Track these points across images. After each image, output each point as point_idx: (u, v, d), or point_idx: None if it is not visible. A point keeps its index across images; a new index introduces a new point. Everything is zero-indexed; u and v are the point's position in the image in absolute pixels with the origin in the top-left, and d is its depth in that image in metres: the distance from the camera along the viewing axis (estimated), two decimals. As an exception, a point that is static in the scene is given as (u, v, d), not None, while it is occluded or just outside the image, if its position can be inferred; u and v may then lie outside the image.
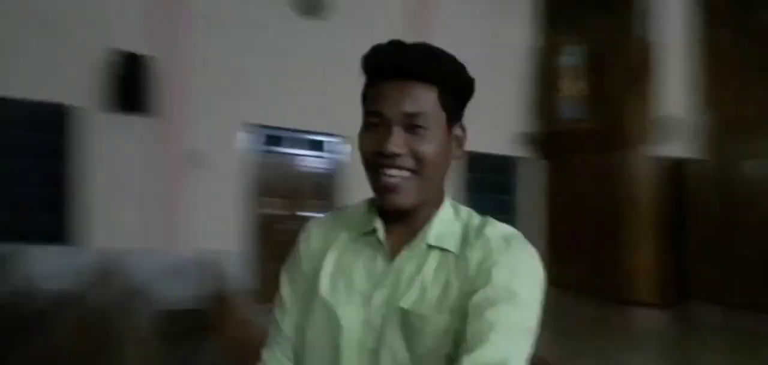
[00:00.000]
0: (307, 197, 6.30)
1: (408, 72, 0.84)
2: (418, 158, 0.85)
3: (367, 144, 0.87)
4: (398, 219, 0.90)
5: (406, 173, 0.85)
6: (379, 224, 0.91)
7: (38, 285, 4.20)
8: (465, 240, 0.88)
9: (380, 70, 0.86)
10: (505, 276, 0.82)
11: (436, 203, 0.92)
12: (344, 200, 6.13)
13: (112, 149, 5.30)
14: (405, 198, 0.86)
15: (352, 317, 0.89)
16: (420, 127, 0.84)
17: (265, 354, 0.99)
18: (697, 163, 6.99)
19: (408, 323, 0.85)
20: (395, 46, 0.86)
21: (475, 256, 0.86)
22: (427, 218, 0.90)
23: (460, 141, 0.91)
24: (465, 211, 0.93)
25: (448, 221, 0.91)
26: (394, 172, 0.85)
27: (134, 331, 3.24)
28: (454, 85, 0.88)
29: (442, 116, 0.86)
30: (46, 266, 4.55)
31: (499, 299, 0.80)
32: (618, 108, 6.91)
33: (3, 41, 4.89)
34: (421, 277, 0.87)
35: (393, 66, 0.85)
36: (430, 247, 0.88)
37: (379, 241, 0.91)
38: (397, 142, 0.84)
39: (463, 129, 0.92)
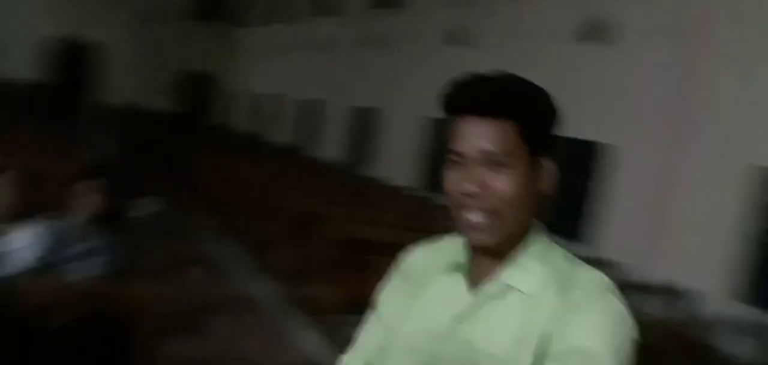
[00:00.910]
0: None
1: (483, 107, 0.82)
2: (497, 196, 0.82)
3: (448, 183, 0.87)
4: (486, 255, 0.88)
5: (486, 213, 0.83)
6: (465, 259, 0.91)
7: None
8: (547, 283, 0.84)
9: (457, 106, 0.85)
10: (587, 331, 0.77)
11: (524, 238, 0.87)
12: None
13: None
14: (487, 238, 0.84)
15: (423, 346, 0.91)
16: (498, 164, 0.82)
17: (347, 357, 1.05)
18: None
19: (475, 361, 0.85)
20: (471, 80, 0.85)
21: (555, 302, 0.81)
22: (512, 256, 0.87)
23: (550, 174, 0.86)
24: (556, 251, 0.88)
25: (533, 260, 0.86)
26: (474, 211, 0.83)
27: None
28: (535, 116, 0.84)
29: (522, 150, 0.82)
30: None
31: (576, 356, 0.75)
32: None
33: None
34: (495, 317, 0.85)
35: (468, 101, 0.84)
36: (509, 287, 0.85)
37: (463, 276, 0.91)
38: (475, 181, 0.83)
39: (553, 161, 0.86)
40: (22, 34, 16.41)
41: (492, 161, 0.82)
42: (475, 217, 0.83)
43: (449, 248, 0.96)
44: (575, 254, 0.90)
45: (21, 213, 2.30)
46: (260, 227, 6.18)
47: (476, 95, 0.83)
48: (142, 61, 17.64)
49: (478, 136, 0.82)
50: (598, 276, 0.84)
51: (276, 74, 16.75)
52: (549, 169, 0.86)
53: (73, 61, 17.48)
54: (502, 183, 0.82)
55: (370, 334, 1.04)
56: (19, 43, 16.28)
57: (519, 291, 0.84)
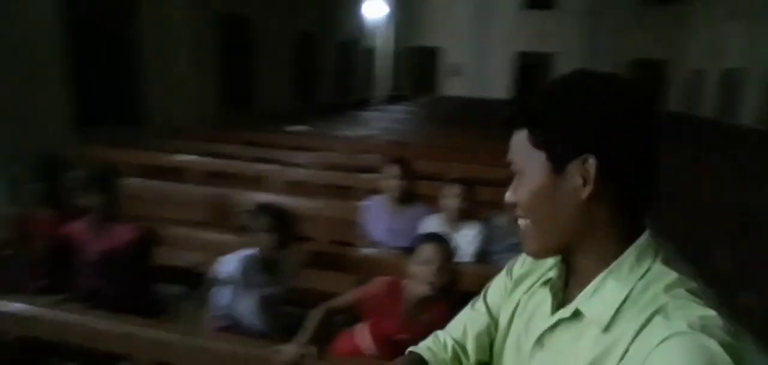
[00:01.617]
0: None
1: (506, 123, 0.84)
2: (521, 204, 0.82)
3: None
4: (574, 273, 0.83)
5: (522, 220, 0.83)
6: (556, 275, 0.87)
7: None
8: (620, 313, 0.73)
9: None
10: None
11: (608, 257, 0.77)
12: None
13: None
14: (527, 246, 0.83)
15: (506, 358, 0.95)
16: (519, 173, 0.82)
17: (439, 333, 1.10)
18: None
19: None
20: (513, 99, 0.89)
21: (621, 339, 0.72)
22: (595, 277, 0.78)
23: (578, 178, 0.75)
24: (649, 274, 0.74)
25: (612, 284, 0.75)
26: (519, 221, 0.84)
27: None
28: (551, 123, 0.77)
29: (537, 156, 0.78)
30: None
31: None
32: None
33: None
34: (561, 343, 0.81)
35: (502, 120, 0.85)
36: (580, 313, 0.78)
37: (552, 294, 0.86)
38: (509, 192, 0.84)
39: (585, 161, 0.74)
40: (495, 51, 20.18)
41: (516, 172, 0.83)
42: (519, 225, 0.84)
43: (552, 261, 0.90)
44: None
45: (465, 215, 2.77)
46: (695, 224, 5.70)
47: (505, 112, 0.86)
48: (592, 61, 18.43)
49: (510, 148, 0.84)
50: (697, 311, 0.68)
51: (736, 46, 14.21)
52: (577, 173, 0.75)
53: (529, 73, 19.96)
54: (521, 191, 0.81)
55: (471, 319, 1.05)
56: (494, 63, 20.24)
57: (588, 319, 0.77)
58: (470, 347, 1.03)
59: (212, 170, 4.81)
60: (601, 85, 0.76)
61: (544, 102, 0.79)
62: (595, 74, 0.78)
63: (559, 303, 0.84)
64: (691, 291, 0.71)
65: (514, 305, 0.96)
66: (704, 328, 0.66)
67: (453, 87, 21.08)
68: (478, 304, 1.07)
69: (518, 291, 0.96)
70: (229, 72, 9.03)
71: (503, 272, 1.03)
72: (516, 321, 0.94)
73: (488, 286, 1.07)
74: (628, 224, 0.77)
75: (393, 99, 17.59)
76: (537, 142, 0.79)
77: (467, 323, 1.05)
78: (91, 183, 2.30)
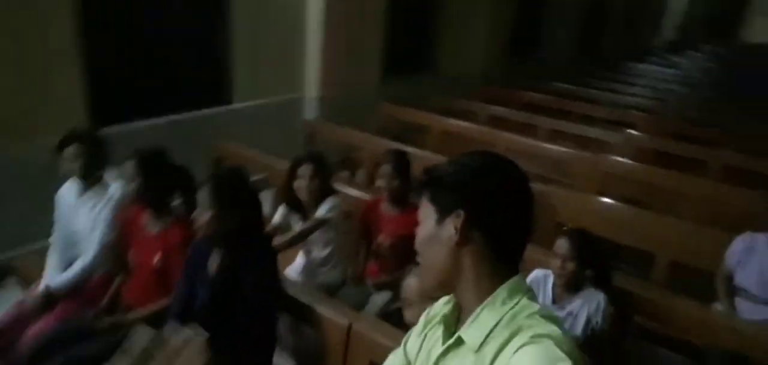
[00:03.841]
0: None
1: (417, 187, 1.08)
2: (417, 248, 1.03)
3: None
4: (465, 308, 1.00)
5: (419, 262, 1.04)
6: (449, 310, 1.06)
7: None
8: (496, 336, 0.90)
9: None
10: None
11: (483, 294, 0.95)
12: None
13: None
14: (419, 283, 1.05)
15: None
16: (419, 224, 1.04)
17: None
18: None
19: None
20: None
21: (488, 355, 0.90)
22: (476, 310, 0.95)
23: (456, 225, 0.95)
24: (516, 307, 0.92)
25: (486, 314, 0.94)
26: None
27: None
28: (436, 182, 1.00)
29: (430, 210, 1.00)
30: None
31: None
32: None
33: None
34: None
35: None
36: (461, 340, 0.96)
37: (444, 328, 1.05)
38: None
39: (458, 215, 0.95)
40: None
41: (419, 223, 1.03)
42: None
43: (448, 300, 1.08)
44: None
45: None
46: None
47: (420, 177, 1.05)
48: None
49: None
50: (544, 328, 0.87)
51: None
52: (451, 224, 0.95)
53: None
54: (418, 238, 1.03)
55: (392, 363, 1.22)
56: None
57: (467, 344, 0.94)
58: None
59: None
60: (482, 162, 0.98)
61: (440, 171, 1.01)
62: (486, 154, 1.00)
63: (450, 335, 1.01)
64: (545, 317, 0.90)
65: (421, 340, 1.14)
66: (549, 337, 0.85)
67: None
68: (399, 350, 1.23)
69: (426, 329, 1.14)
70: (515, 19, 8.90)
71: (422, 317, 1.19)
72: (422, 354, 1.12)
73: (409, 333, 1.23)
74: (498, 268, 0.95)
75: (677, 46, 15.21)
76: (431, 198, 1.00)
77: None
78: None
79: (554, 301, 2.23)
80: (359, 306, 2.41)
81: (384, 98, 5.73)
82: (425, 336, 1.13)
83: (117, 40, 4.00)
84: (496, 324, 0.91)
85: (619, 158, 4.18)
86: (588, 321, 2.13)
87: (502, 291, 0.93)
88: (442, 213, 0.97)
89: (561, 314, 2.17)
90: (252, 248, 1.78)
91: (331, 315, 1.95)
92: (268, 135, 4.92)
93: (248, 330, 1.73)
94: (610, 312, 2.12)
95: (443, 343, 1.01)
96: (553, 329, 0.87)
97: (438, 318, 1.09)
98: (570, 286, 2.19)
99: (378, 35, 6.12)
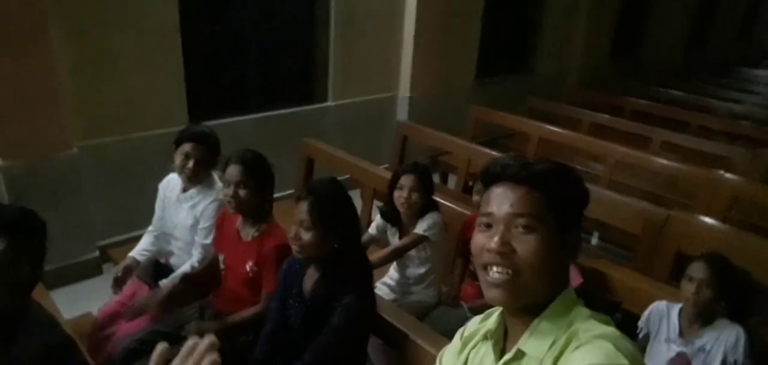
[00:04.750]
0: None
1: (514, 176, 0.93)
2: (521, 257, 0.89)
3: (475, 244, 0.95)
4: (517, 322, 0.95)
5: (505, 271, 0.90)
6: (496, 326, 1.00)
7: None
8: (551, 347, 0.89)
9: (493, 175, 0.96)
10: None
11: (546, 303, 0.92)
12: None
13: None
14: (503, 294, 0.91)
15: None
16: (525, 227, 0.90)
17: None
18: None
19: None
20: (509, 158, 0.96)
21: (548, 360, 0.88)
22: (535, 322, 0.92)
23: (573, 250, 0.94)
24: (572, 314, 0.91)
25: (548, 323, 0.91)
26: (494, 268, 0.90)
27: None
28: (563, 191, 0.93)
29: (549, 219, 0.90)
30: None
31: None
32: None
33: None
34: None
35: (502, 170, 0.95)
36: (523, 353, 0.92)
37: (492, 344, 0.99)
38: (500, 240, 0.90)
39: (578, 239, 0.95)
40: None
41: (520, 225, 0.90)
42: (494, 274, 0.91)
43: (493, 317, 1.04)
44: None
45: None
46: None
47: (510, 166, 0.94)
48: None
49: (508, 200, 0.92)
50: (600, 329, 0.87)
51: None
52: (573, 245, 0.94)
53: None
54: (527, 245, 0.89)
55: None
56: None
57: (529, 356, 0.91)
58: None
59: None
60: (571, 174, 0.98)
61: (556, 173, 0.95)
62: (559, 163, 0.98)
63: (501, 349, 0.98)
64: (600, 320, 0.91)
65: (463, 361, 1.08)
66: (607, 337, 0.84)
67: None
68: None
69: (466, 350, 1.08)
70: (617, 18, 8.31)
71: (456, 336, 1.14)
72: None
73: (443, 351, 1.17)
74: (558, 280, 0.94)
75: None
76: (551, 207, 0.92)
77: None
78: None
79: (681, 334, 2.00)
80: (453, 330, 2.23)
81: (477, 98, 5.53)
82: (468, 356, 1.09)
83: (213, 36, 4.08)
84: (557, 333, 0.90)
85: (749, 180, 3.65)
86: (724, 359, 1.88)
87: (559, 302, 0.93)
88: (562, 225, 0.92)
89: (688, 350, 1.96)
90: (350, 269, 1.69)
91: (425, 343, 1.82)
92: (359, 133, 4.87)
93: (338, 350, 1.65)
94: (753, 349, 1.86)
95: (497, 359, 0.98)
96: (610, 330, 0.87)
97: (479, 336, 1.06)
98: (701, 316, 1.95)
99: (474, 34, 5.96)
